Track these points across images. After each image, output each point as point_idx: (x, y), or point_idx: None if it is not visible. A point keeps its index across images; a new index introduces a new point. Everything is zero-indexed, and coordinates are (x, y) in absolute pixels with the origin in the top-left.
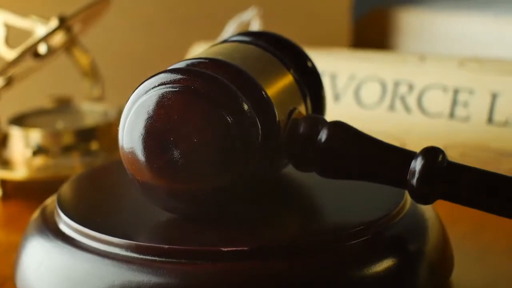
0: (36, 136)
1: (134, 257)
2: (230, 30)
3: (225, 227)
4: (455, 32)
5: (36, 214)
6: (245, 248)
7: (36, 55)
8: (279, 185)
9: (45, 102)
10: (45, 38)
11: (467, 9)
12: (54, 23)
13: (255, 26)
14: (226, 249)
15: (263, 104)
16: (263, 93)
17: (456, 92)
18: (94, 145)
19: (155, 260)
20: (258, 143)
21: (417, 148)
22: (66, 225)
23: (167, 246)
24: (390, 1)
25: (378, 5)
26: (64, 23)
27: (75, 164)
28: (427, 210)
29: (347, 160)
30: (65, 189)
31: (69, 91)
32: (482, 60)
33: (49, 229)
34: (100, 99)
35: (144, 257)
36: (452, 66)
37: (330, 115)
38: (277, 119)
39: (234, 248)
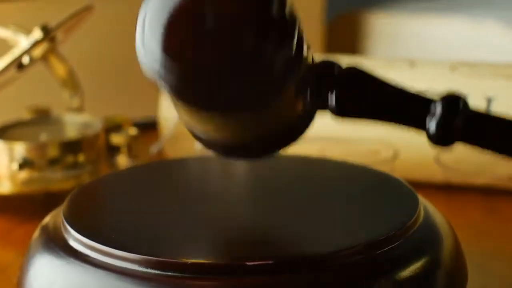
0: (21, 149)
1: (155, 274)
2: None
3: (245, 241)
4: (427, 36)
5: (37, 232)
6: (271, 262)
7: (19, 66)
8: (293, 198)
9: (20, 113)
10: (30, 49)
11: (439, 13)
12: (38, 33)
13: None
14: (251, 263)
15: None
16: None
17: None
18: (80, 157)
19: (178, 276)
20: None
21: (410, 157)
22: (78, 242)
23: (190, 262)
24: (360, 5)
25: (348, 9)
26: (49, 34)
27: (62, 177)
28: (438, 217)
29: (363, 106)
30: (69, 204)
31: (42, 101)
32: (474, 64)
33: (59, 247)
34: (79, 109)
35: (166, 273)
36: (444, 71)
37: (321, 122)
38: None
39: (260, 262)
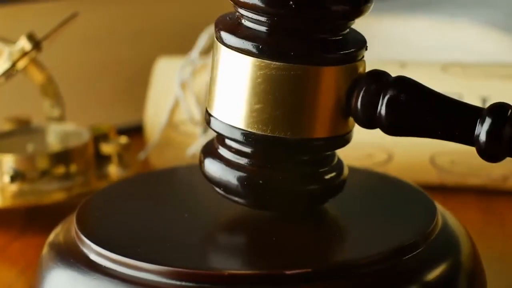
0: (10, 161)
1: (190, 287)
2: (201, 42)
3: (273, 249)
4: (398, 36)
5: (45, 249)
6: (309, 270)
7: (7, 76)
8: (315, 209)
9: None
10: (19, 60)
11: (409, 12)
12: (25, 43)
13: None
14: (289, 272)
15: None
16: None
17: None
18: (72, 168)
19: None
20: None
21: (405, 160)
22: (103, 257)
23: (227, 272)
24: None
25: None
26: (38, 45)
27: (54, 189)
28: (453, 220)
29: (413, 115)
30: (80, 219)
31: (17, 111)
32: (465, 65)
33: (80, 263)
34: (61, 118)
35: (201, 285)
36: (436, 72)
37: None
38: None
39: (298, 271)
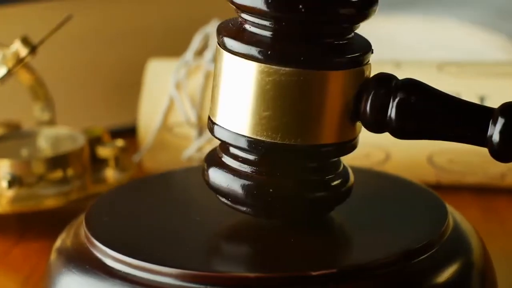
0: (6, 165)
1: None
2: (195, 44)
3: (296, 252)
4: (386, 35)
5: (53, 255)
6: (334, 271)
7: (3, 81)
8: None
9: None
10: (15, 66)
11: (397, 12)
12: (21, 48)
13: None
14: (316, 273)
15: None
16: None
17: None
18: (69, 172)
19: None
20: None
21: (402, 159)
22: (118, 261)
23: (253, 275)
24: None
25: None
26: (34, 49)
27: (52, 194)
28: (462, 219)
29: (424, 118)
30: (90, 224)
31: (5, 115)
32: (461, 64)
33: (95, 268)
34: (51, 122)
35: None
36: (431, 71)
37: None
38: None
39: (324, 272)
